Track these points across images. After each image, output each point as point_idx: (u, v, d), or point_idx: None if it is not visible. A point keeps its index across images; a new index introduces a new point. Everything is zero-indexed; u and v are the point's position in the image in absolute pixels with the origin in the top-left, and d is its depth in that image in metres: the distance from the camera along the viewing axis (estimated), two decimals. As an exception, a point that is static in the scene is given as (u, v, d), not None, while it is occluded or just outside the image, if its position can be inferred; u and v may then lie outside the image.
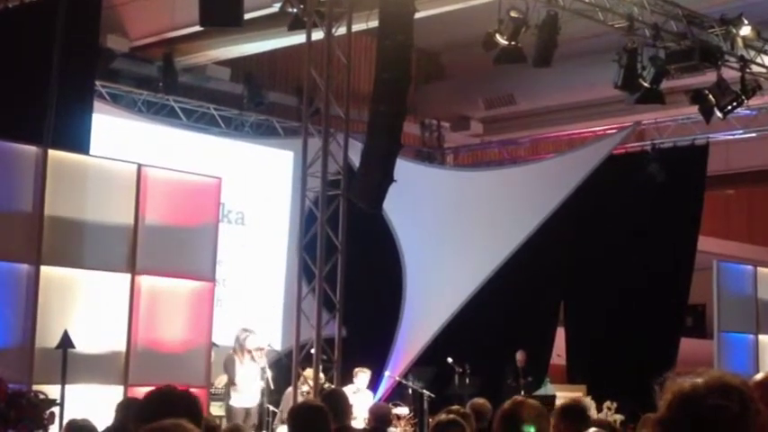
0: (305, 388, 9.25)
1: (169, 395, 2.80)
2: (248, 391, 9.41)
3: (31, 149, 7.68)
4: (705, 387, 1.44)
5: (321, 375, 9.14)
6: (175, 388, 2.85)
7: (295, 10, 9.42)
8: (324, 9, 9.35)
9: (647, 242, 13.14)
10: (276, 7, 9.75)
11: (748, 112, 12.25)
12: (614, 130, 13.54)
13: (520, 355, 12.23)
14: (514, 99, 13.76)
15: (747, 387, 1.50)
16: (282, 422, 9.05)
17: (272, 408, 9.68)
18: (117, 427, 5.00)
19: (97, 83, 10.58)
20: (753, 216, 18.31)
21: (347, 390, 8.24)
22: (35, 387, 7.09)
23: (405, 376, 11.88)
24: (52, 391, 7.05)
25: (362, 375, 10.12)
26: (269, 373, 9.39)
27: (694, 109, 11.35)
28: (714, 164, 13.36)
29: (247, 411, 9.44)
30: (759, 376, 2.72)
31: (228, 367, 9.44)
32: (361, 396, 9.72)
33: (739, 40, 10.45)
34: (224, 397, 9.56)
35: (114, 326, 7.85)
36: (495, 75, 12.68)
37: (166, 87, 11.70)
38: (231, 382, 9.42)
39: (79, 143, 9.11)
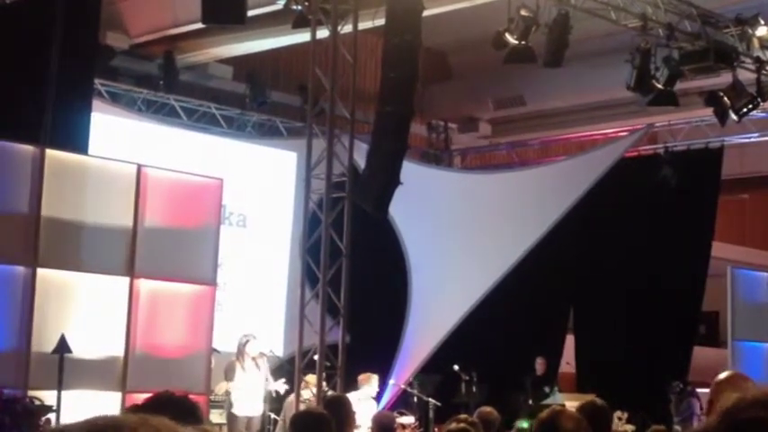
0: (307, 395, 9.04)
1: (168, 401, 2.76)
2: (250, 399, 9.21)
3: (29, 149, 7.65)
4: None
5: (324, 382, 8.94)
6: (173, 394, 2.81)
7: (300, 7, 9.32)
8: (329, 6, 9.23)
9: (659, 247, 12.96)
10: (280, 4, 9.63)
11: (764, 114, 12.08)
12: (626, 133, 13.41)
13: (539, 362, 12.02)
14: (524, 100, 13.64)
15: None
16: (284, 430, 8.84)
17: (273, 415, 9.48)
18: None
19: (96, 81, 10.49)
20: (768, 221, 18.09)
21: (351, 397, 8.02)
22: (31, 393, 7.08)
23: (410, 384, 11.66)
24: (48, 397, 7.07)
25: (371, 381, 9.86)
26: (271, 381, 9.21)
27: (708, 111, 11.25)
28: (728, 167, 13.22)
29: (249, 420, 9.24)
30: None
31: (228, 374, 9.28)
32: (365, 404, 9.49)
33: (755, 41, 10.35)
34: (225, 404, 9.37)
35: (112, 330, 7.83)
36: (504, 75, 12.52)
37: (167, 86, 11.58)
38: (230, 389, 9.22)
39: (78, 143, 9.02)
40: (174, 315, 8.17)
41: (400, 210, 11.27)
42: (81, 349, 7.42)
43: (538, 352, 12.29)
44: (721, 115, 10.87)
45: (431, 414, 10.70)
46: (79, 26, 9.09)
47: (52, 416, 6.90)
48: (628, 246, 13.13)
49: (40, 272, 7.45)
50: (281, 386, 9.27)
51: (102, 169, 7.99)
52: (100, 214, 7.83)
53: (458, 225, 12.86)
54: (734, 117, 10.74)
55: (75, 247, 7.73)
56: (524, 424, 11.41)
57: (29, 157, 7.55)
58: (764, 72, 10.65)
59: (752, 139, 13.01)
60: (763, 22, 10.21)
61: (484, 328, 12.52)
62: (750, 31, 10.22)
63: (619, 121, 13.57)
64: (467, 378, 11.36)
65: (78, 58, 9.16)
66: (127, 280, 7.86)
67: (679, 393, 11.60)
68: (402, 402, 11.63)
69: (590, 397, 11.11)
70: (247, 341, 9.30)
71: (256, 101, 12.33)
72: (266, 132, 12.84)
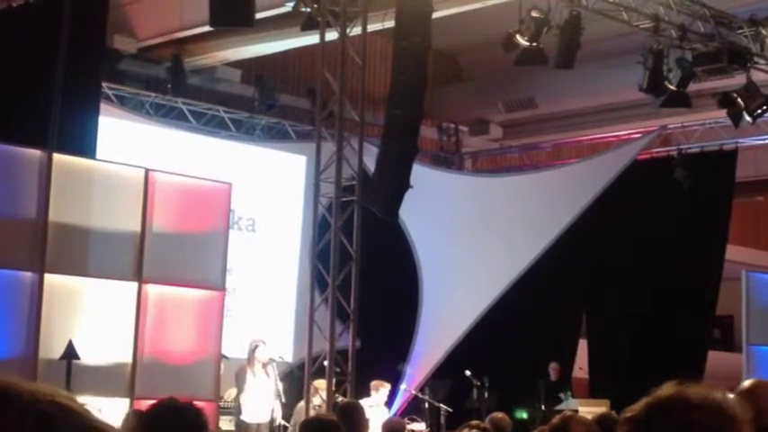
0: (317, 401, 8.97)
1: (172, 408, 2.75)
2: (259, 405, 9.13)
3: (35, 153, 7.59)
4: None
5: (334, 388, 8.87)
6: (178, 400, 2.80)
7: (308, 9, 9.27)
8: (338, 8, 9.17)
9: (672, 251, 12.82)
10: (289, 7, 9.58)
11: (778, 116, 11.90)
12: (639, 135, 13.30)
13: (553, 367, 11.90)
14: (535, 102, 13.55)
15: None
16: (294, 437, 8.76)
17: (283, 422, 9.40)
18: None
19: (104, 84, 10.44)
20: (783, 224, 17.92)
21: (363, 403, 7.94)
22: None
23: (421, 390, 11.57)
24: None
25: (383, 390, 9.82)
26: (280, 386, 9.15)
27: (722, 113, 11.17)
28: (743, 170, 13.07)
29: (258, 426, 9.17)
30: (746, 383, 2.93)
31: (239, 378, 9.23)
32: (377, 411, 9.41)
33: (769, 42, 10.19)
34: (234, 411, 9.30)
35: (120, 336, 7.78)
36: (515, 77, 12.45)
37: (175, 89, 11.55)
38: (240, 393, 9.15)
39: (85, 147, 8.97)
40: (182, 321, 8.10)
41: (410, 213, 11.21)
42: (89, 355, 7.37)
43: (550, 357, 12.17)
44: (735, 117, 10.78)
45: (442, 420, 10.63)
46: (86, 29, 9.04)
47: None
48: (640, 249, 13.00)
49: (48, 277, 7.38)
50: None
51: (110, 173, 7.94)
52: (107, 219, 7.77)
53: (468, 229, 12.77)
54: (748, 119, 10.66)
55: (82, 252, 7.67)
56: (524, 414, 11.36)
57: (36, 162, 7.49)
58: (779, 73, 10.55)
59: (766, 141, 12.87)
60: (776, 22, 10.11)
61: (495, 332, 12.42)
62: (764, 31, 10.15)
63: (631, 122, 13.47)
64: (478, 384, 11.27)
65: (85, 61, 9.11)
66: (135, 285, 7.80)
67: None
68: (413, 408, 11.53)
69: (604, 402, 11.05)
70: (256, 346, 9.24)
71: (265, 104, 12.30)
72: (275, 136, 12.78)
